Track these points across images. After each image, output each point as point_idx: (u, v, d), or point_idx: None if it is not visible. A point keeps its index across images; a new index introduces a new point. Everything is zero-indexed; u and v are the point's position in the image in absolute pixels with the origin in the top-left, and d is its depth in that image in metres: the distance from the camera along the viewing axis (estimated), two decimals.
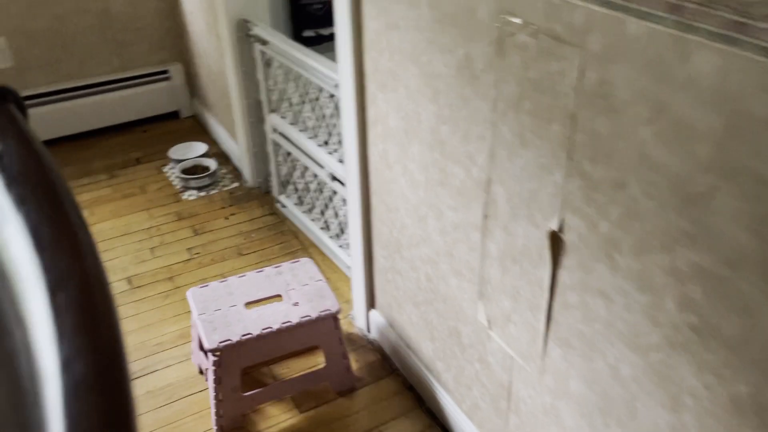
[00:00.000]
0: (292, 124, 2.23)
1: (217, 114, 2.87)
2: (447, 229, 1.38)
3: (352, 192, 1.76)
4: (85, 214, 2.00)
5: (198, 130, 3.09)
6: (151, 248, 2.30)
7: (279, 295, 1.70)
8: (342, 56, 1.59)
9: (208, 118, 3.02)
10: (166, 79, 3.09)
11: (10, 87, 0.42)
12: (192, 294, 1.69)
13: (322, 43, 2.57)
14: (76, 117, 2.95)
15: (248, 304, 1.67)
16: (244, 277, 1.75)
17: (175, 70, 3.10)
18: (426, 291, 1.55)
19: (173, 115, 3.18)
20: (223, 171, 2.74)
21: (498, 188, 1.18)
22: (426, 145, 1.37)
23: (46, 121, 2.89)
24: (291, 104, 2.19)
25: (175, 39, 3.06)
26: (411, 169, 1.46)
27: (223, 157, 2.84)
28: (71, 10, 2.82)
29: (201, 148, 2.81)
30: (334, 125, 1.96)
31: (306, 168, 2.23)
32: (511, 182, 1.14)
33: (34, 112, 2.86)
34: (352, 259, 1.88)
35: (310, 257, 2.24)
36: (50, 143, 2.92)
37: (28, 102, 2.84)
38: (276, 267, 1.79)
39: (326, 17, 2.49)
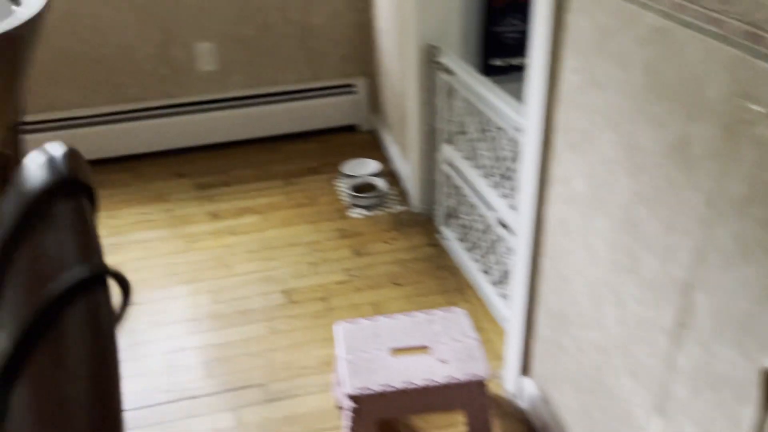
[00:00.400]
0: (465, 158, 2.12)
1: (394, 133, 2.86)
2: (628, 321, 1.19)
3: (520, 248, 1.62)
4: (259, 219, 2.04)
5: (373, 145, 3.10)
6: (311, 263, 2.33)
7: (426, 346, 1.61)
8: (531, 104, 1.45)
9: (384, 136, 3.02)
10: (351, 92, 3.13)
11: (116, 271, 0.36)
12: (340, 329, 1.66)
13: (511, 72, 2.43)
14: (265, 121, 3.10)
15: (394, 350, 1.60)
16: (393, 320, 1.69)
17: (361, 85, 3.13)
18: (591, 380, 1.36)
19: (352, 128, 3.22)
20: (392, 192, 2.71)
21: (701, 297, 0.98)
22: (615, 221, 1.19)
23: (239, 124, 3.07)
24: (468, 138, 2.08)
25: (365, 54, 3.09)
26: (593, 244, 1.28)
27: (393, 177, 2.81)
28: (276, 20, 2.95)
29: (373, 166, 2.80)
30: (511, 169, 1.82)
31: (474, 206, 2.12)
32: (721, 295, 0.93)
33: (230, 114, 3.04)
34: (510, 318, 1.74)
35: (466, 299, 2.13)
36: (239, 144, 3.10)
37: (226, 104, 3.04)
38: (428, 314, 1.70)
39: (519, 47, 2.35)
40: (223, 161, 3.00)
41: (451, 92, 2.15)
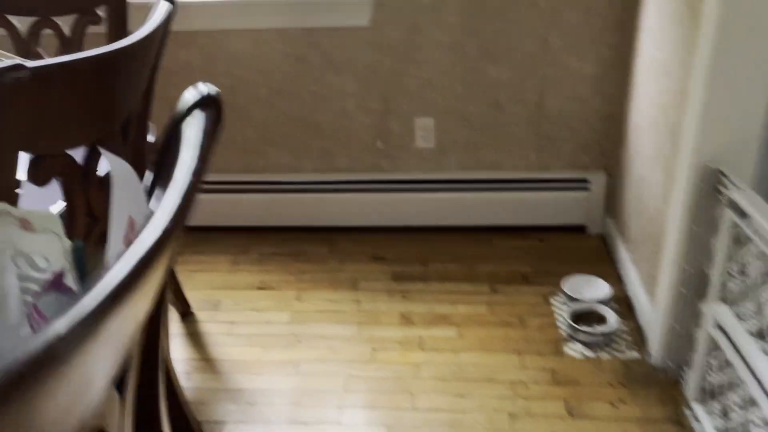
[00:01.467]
0: (750, 332, 1.53)
1: (635, 252, 2.30)
2: None
3: None
4: (455, 334, 1.64)
5: (602, 256, 2.57)
6: (511, 414, 1.87)
7: None
8: None
9: (619, 249, 2.47)
10: (583, 188, 2.64)
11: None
12: None
13: None
14: (478, 210, 2.73)
15: None
16: None
17: (596, 181, 2.63)
18: None
19: (578, 229, 2.72)
20: (624, 329, 2.16)
21: None
22: None
23: (449, 209, 2.74)
24: (760, 310, 1.49)
25: (607, 147, 2.59)
26: None
27: (625, 305, 2.26)
28: (507, 98, 2.58)
29: (602, 289, 2.28)
30: None
31: (753, 401, 1.52)
32: None
33: (440, 197, 2.73)
34: None
35: None
36: (444, 231, 2.76)
37: (438, 186, 2.71)
38: None
39: None
40: (425, 249, 2.68)
41: (739, 238, 1.58)
